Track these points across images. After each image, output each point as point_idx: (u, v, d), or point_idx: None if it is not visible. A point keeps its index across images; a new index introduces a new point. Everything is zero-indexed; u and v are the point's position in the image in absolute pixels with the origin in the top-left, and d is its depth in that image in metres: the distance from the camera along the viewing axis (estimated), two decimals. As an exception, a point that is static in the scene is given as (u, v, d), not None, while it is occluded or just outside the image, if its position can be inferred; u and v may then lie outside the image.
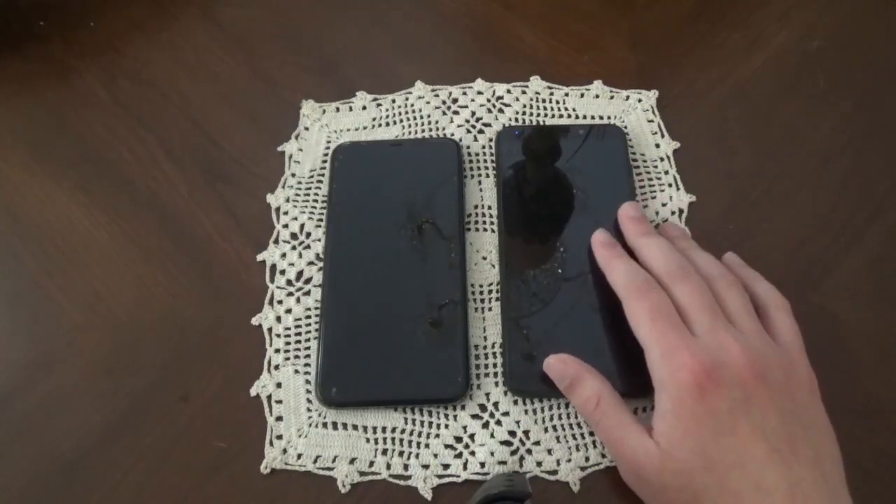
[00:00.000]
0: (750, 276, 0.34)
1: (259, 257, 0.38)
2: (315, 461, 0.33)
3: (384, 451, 0.33)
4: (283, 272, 0.38)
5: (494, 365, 0.35)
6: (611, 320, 0.34)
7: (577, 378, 0.31)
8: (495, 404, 0.34)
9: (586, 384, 0.31)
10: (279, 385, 0.35)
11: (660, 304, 0.30)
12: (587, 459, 0.33)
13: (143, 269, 0.38)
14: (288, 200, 0.40)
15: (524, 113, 0.42)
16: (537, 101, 0.43)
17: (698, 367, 0.28)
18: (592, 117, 0.42)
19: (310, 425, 0.34)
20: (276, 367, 0.35)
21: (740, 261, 0.36)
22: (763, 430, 0.27)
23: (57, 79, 0.45)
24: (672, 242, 0.35)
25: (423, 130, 0.42)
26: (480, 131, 0.42)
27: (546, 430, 0.33)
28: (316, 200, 0.40)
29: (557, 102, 0.43)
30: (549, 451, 0.33)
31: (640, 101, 0.43)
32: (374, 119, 0.43)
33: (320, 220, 0.39)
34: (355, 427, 0.33)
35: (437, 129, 0.42)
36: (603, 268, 0.34)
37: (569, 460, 0.32)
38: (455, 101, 0.43)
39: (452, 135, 0.42)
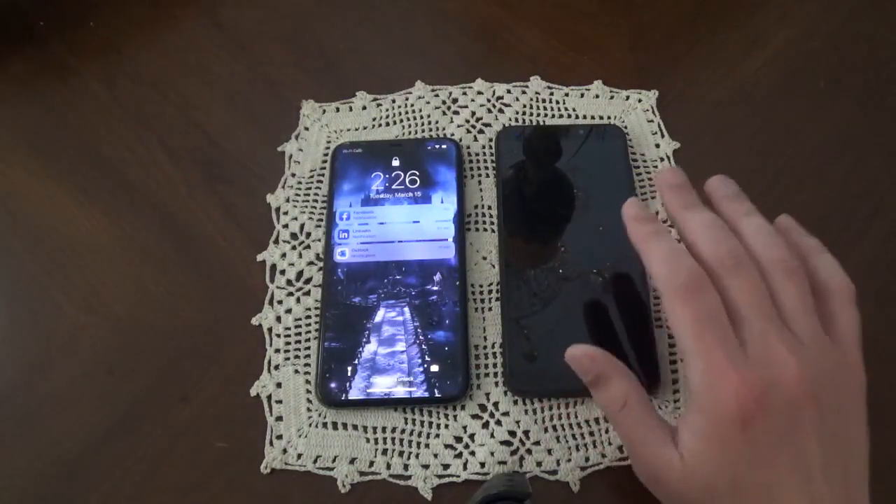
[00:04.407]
0: (811, 247, 0.30)
1: (259, 257, 0.38)
2: (315, 461, 0.33)
3: (384, 451, 0.33)
4: (283, 272, 0.38)
5: (494, 365, 0.35)
6: (612, 320, 0.34)
7: (605, 376, 0.28)
8: (495, 404, 0.34)
9: (613, 384, 0.28)
10: (279, 385, 0.35)
11: (709, 310, 0.26)
12: (587, 459, 0.33)
13: (143, 269, 0.38)
14: (288, 200, 0.40)
15: (524, 113, 0.42)
16: (537, 101, 0.43)
17: (747, 395, 0.25)
18: (592, 117, 0.42)
19: (310, 425, 0.34)
20: (276, 367, 0.35)
21: (798, 226, 0.31)
22: (801, 459, 0.25)
23: (57, 79, 0.45)
24: (720, 205, 0.30)
25: (423, 130, 0.42)
26: (480, 131, 0.42)
27: (546, 430, 0.33)
28: (316, 200, 0.40)
29: (557, 102, 0.43)
30: (549, 451, 0.33)
31: (640, 101, 0.43)
32: (374, 119, 0.43)
33: (320, 219, 0.39)
34: (355, 427, 0.33)
35: (437, 129, 0.42)
36: (638, 249, 0.29)
37: (569, 460, 0.32)
38: (455, 101, 0.43)
39: (452, 135, 0.42)
